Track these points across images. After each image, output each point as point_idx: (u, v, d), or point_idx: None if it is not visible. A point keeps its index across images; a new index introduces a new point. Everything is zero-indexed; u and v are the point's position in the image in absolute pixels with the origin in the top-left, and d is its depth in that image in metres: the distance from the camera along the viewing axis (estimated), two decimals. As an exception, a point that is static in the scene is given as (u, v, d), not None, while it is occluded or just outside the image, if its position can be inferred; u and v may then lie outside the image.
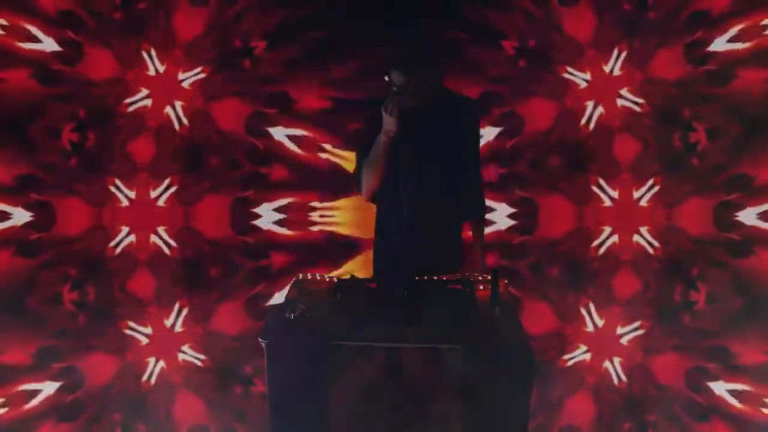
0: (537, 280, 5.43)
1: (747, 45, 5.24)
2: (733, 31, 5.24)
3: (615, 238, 5.42)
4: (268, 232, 5.45)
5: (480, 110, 4.34)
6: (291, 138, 5.43)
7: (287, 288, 4.07)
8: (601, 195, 5.42)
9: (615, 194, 5.41)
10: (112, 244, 5.41)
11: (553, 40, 5.37)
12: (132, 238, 5.43)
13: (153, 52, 5.38)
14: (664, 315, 5.38)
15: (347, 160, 5.38)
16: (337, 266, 5.40)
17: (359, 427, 3.69)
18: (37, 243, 5.32)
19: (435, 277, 3.98)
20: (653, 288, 5.39)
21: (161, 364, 5.45)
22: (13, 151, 5.29)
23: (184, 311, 5.46)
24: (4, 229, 5.29)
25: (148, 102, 5.40)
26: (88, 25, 5.32)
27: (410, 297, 3.79)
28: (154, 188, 5.43)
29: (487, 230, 5.41)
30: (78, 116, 5.35)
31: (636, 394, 5.40)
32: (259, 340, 3.74)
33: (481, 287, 3.90)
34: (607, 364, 5.44)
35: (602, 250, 5.43)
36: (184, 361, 5.45)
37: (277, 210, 5.46)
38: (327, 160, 5.42)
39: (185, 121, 5.42)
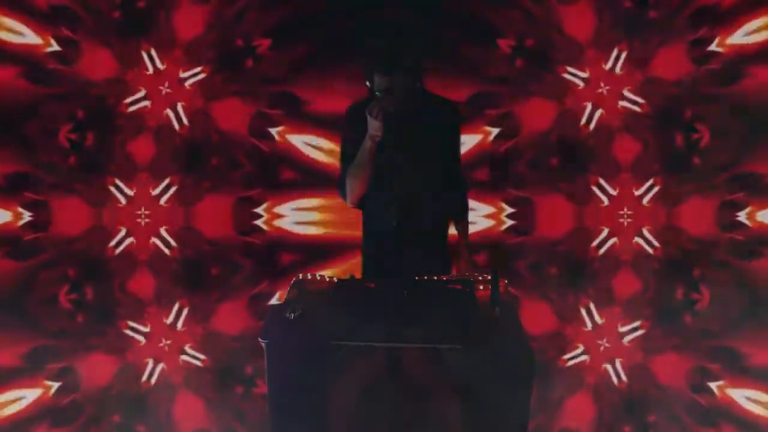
0: (537, 280, 5.43)
1: (752, 43, 5.24)
2: (738, 28, 5.24)
3: (615, 238, 5.41)
4: (269, 232, 5.45)
5: (460, 111, 4.31)
6: (295, 139, 5.43)
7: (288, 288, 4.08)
8: (601, 195, 5.42)
9: (615, 194, 5.41)
10: (112, 244, 5.41)
11: (552, 40, 5.37)
12: (132, 238, 5.42)
13: (153, 52, 5.38)
14: (665, 315, 5.38)
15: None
16: (337, 266, 5.40)
17: (359, 427, 3.68)
18: (35, 243, 5.31)
19: (435, 277, 3.98)
20: (653, 288, 5.39)
21: (161, 364, 5.45)
22: (11, 151, 5.28)
23: (184, 311, 5.46)
24: (2, 229, 5.29)
25: (148, 102, 5.40)
26: (87, 24, 5.31)
27: (410, 297, 3.78)
28: (154, 188, 5.43)
29: (487, 229, 5.43)
30: (77, 116, 5.35)
31: (636, 394, 5.40)
32: (259, 340, 3.73)
33: (481, 287, 3.89)
34: (607, 364, 5.43)
35: (602, 251, 5.43)
36: (184, 361, 5.45)
37: (279, 210, 5.46)
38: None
39: (185, 121, 5.42)
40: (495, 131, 5.40)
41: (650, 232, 5.40)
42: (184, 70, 5.40)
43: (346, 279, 4.02)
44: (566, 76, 5.39)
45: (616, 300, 5.42)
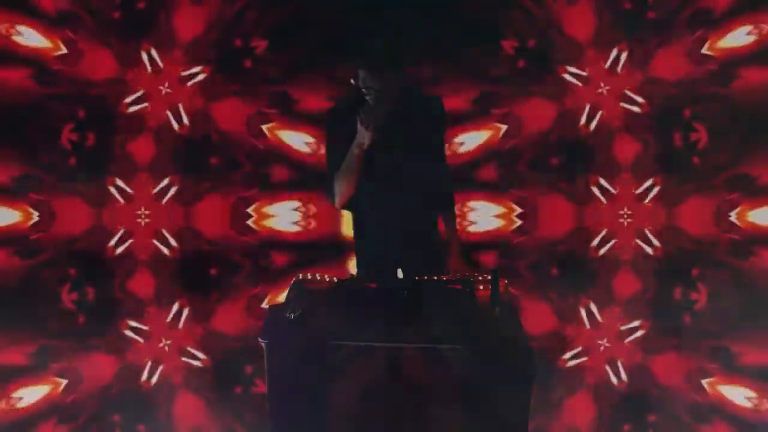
0: (537, 280, 5.43)
1: (750, 44, 5.24)
2: (736, 30, 5.24)
3: (615, 238, 5.41)
4: (269, 232, 5.45)
5: (444, 106, 4.29)
6: (292, 138, 5.43)
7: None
8: (601, 195, 5.42)
9: (615, 194, 5.41)
10: (112, 244, 5.41)
11: (553, 40, 5.37)
12: (132, 238, 5.42)
13: (153, 52, 5.38)
14: (665, 315, 5.38)
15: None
16: (337, 266, 5.40)
17: (359, 427, 3.68)
18: (36, 242, 5.31)
19: (435, 277, 3.98)
20: (653, 288, 5.39)
21: (161, 364, 5.45)
22: (12, 151, 5.29)
23: (184, 311, 5.46)
24: (4, 229, 5.29)
25: (148, 102, 5.40)
26: (88, 24, 5.31)
27: (410, 297, 3.78)
28: (154, 188, 5.43)
29: (485, 229, 5.43)
30: (77, 116, 5.35)
31: (636, 394, 5.40)
32: (259, 340, 3.73)
33: (481, 287, 3.89)
34: (607, 364, 5.43)
35: (602, 251, 5.43)
36: (184, 361, 5.45)
37: (279, 210, 5.46)
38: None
39: (185, 121, 5.42)
40: (503, 128, 5.40)
41: (650, 232, 5.40)
42: (184, 70, 5.40)
43: (346, 279, 4.02)
44: (566, 76, 5.39)
45: (616, 300, 5.42)
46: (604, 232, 5.43)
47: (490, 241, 5.42)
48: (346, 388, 3.67)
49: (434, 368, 3.63)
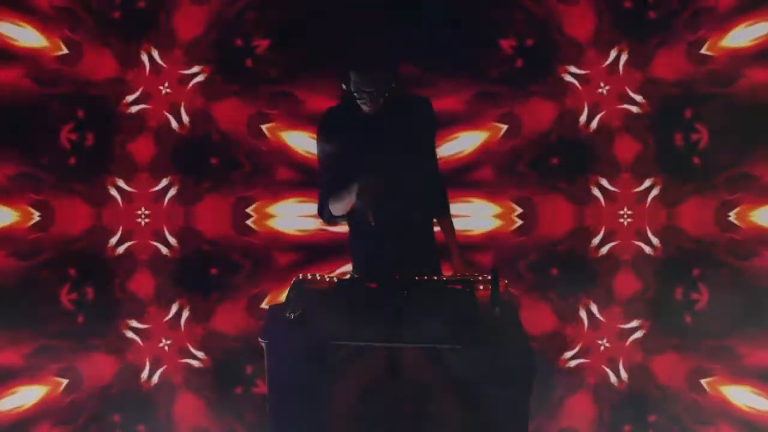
0: (537, 280, 5.43)
1: (751, 44, 5.24)
2: (737, 29, 5.24)
3: (615, 238, 5.41)
4: (269, 232, 5.45)
5: (433, 108, 4.28)
6: (293, 138, 5.44)
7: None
8: (601, 195, 5.42)
9: (615, 194, 5.41)
10: (112, 244, 5.41)
11: (553, 40, 5.37)
12: (132, 238, 5.42)
13: (153, 52, 5.38)
14: (665, 315, 5.38)
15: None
16: (338, 266, 5.40)
17: (359, 427, 3.68)
18: (36, 242, 5.31)
19: (435, 277, 3.98)
20: (653, 288, 5.39)
21: (161, 364, 5.44)
22: (12, 151, 5.29)
23: (184, 311, 5.46)
24: (3, 229, 5.29)
25: (148, 102, 5.40)
26: (88, 24, 5.31)
27: (410, 297, 3.78)
28: (154, 188, 5.43)
29: (486, 229, 5.43)
30: (77, 116, 5.35)
31: (636, 394, 5.40)
32: (259, 340, 3.73)
33: (481, 287, 3.90)
34: (607, 364, 5.43)
35: (603, 251, 5.43)
36: (184, 361, 5.45)
37: (279, 210, 5.46)
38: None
39: (185, 121, 5.42)
40: (502, 129, 5.40)
41: (650, 232, 5.40)
42: (184, 70, 5.40)
43: (346, 279, 4.02)
44: (566, 76, 5.39)
45: (616, 300, 5.42)
46: (603, 232, 5.43)
47: (489, 242, 5.42)
48: (346, 388, 3.67)
49: (434, 368, 3.63)
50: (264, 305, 5.42)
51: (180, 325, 5.46)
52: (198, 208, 5.45)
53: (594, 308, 5.44)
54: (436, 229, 4.36)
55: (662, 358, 5.39)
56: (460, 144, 5.40)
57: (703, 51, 5.29)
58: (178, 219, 5.45)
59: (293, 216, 5.46)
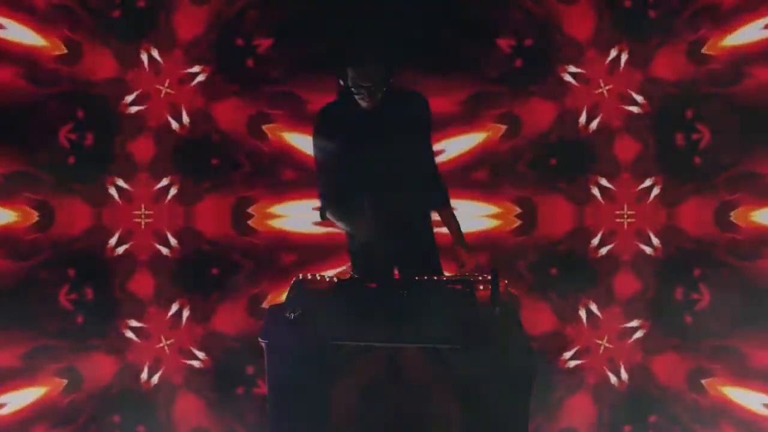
0: (537, 280, 5.43)
1: (751, 43, 5.24)
2: (737, 28, 5.24)
3: (615, 238, 5.41)
4: (269, 232, 5.45)
5: (428, 103, 4.27)
6: (295, 138, 5.44)
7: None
8: (601, 195, 5.42)
9: (615, 194, 5.41)
10: (112, 244, 5.41)
11: (553, 39, 5.37)
12: (132, 238, 5.42)
13: (153, 52, 5.38)
14: (665, 315, 5.38)
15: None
16: (337, 266, 5.40)
17: (359, 427, 3.68)
18: (35, 243, 5.31)
19: (435, 277, 3.98)
20: (653, 288, 5.39)
21: (161, 364, 5.44)
22: (11, 151, 5.29)
23: (184, 311, 5.46)
24: (2, 229, 5.29)
25: (148, 102, 5.40)
26: (87, 24, 5.31)
27: (410, 297, 3.78)
28: (154, 188, 5.43)
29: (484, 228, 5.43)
30: (76, 116, 5.35)
31: (636, 394, 5.40)
32: (259, 340, 3.73)
33: (481, 287, 3.89)
34: (607, 364, 5.43)
35: (603, 251, 5.42)
36: (184, 361, 5.45)
37: (279, 210, 5.46)
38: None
39: (185, 120, 5.42)
40: (502, 129, 5.40)
41: (650, 232, 5.40)
42: (184, 70, 5.40)
43: (346, 279, 4.02)
44: (566, 76, 5.39)
45: (616, 300, 5.42)
46: (603, 232, 5.43)
47: (489, 242, 5.42)
48: (346, 388, 3.67)
49: (434, 368, 3.63)
50: (264, 305, 5.42)
51: (180, 325, 5.46)
52: (198, 208, 5.45)
53: (594, 308, 5.44)
54: (436, 229, 4.35)
55: (662, 358, 5.39)
56: (459, 144, 5.40)
57: (703, 50, 5.29)
58: (178, 219, 5.45)
59: (293, 216, 5.46)
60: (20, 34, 5.26)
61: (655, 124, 5.37)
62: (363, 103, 4.02)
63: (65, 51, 5.31)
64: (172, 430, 5.40)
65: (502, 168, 5.42)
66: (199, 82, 5.41)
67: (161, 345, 5.45)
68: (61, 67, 5.30)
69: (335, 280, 3.92)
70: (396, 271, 4.24)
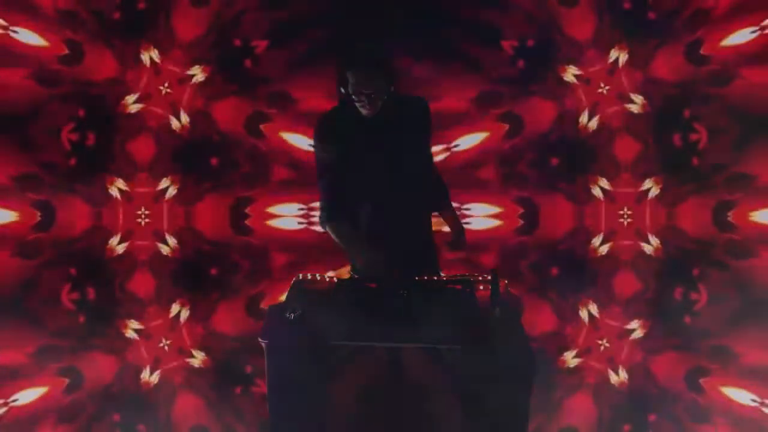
0: (537, 280, 5.43)
1: (749, 44, 5.24)
2: (735, 30, 5.24)
3: (615, 238, 5.42)
4: (269, 232, 5.45)
5: (429, 107, 4.27)
6: (291, 138, 5.44)
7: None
8: (601, 195, 5.42)
9: (615, 194, 5.41)
10: (112, 244, 5.41)
11: (553, 40, 5.37)
12: (132, 238, 5.42)
13: (153, 52, 5.38)
14: (665, 315, 5.38)
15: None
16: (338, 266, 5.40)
17: (359, 427, 3.69)
18: (36, 243, 5.32)
19: (435, 277, 3.98)
20: (653, 288, 5.39)
21: (161, 364, 5.45)
22: (13, 151, 5.29)
23: (184, 311, 5.46)
24: (4, 229, 5.29)
25: (148, 102, 5.40)
26: (88, 25, 5.32)
27: (410, 297, 3.79)
28: (154, 188, 5.43)
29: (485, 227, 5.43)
30: (78, 116, 5.35)
31: (636, 394, 5.40)
32: (259, 340, 3.74)
33: (481, 287, 3.90)
34: (607, 364, 5.43)
35: (603, 251, 5.43)
36: (184, 361, 5.45)
37: (278, 210, 5.46)
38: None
39: (185, 120, 5.42)
40: (505, 128, 5.41)
41: (650, 232, 5.40)
42: (184, 70, 5.41)
43: (346, 279, 4.02)
44: (566, 76, 5.39)
45: (616, 300, 5.43)
46: (603, 232, 5.43)
47: (490, 242, 5.43)
48: (346, 388, 3.67)
49: (434, 368, 3.64)
50: (264, 305, 5.42)
51: (180, 325, 5.46)
52: (198, 208, 5.45)
53: (594, 308, 5.44)
54: (436, 229, 4.36)
55: (662, 358, 5.39)
56: (460, 144, 5.41)
57: (702, 51, 5.29)
58: (178, 219, 5.45)
59: (293, 216, 5.46)
60: (24, 35, 5.27)
61: (654, 124, 5.37)
62: (363, 111, 4.01)
63: (67, 52, 5.31)
64: (172, 429, 5.40)
65: (504, 168, 5.42)
66: (199, 82, 5.41)
67: (161, 345, 5.45)
68: (63, 68, 5.31)
69: (335, 280, 3.92)
70: (396, 271, 4.24)
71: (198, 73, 5.41)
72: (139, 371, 5.43)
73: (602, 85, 5.39)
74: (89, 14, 5.31)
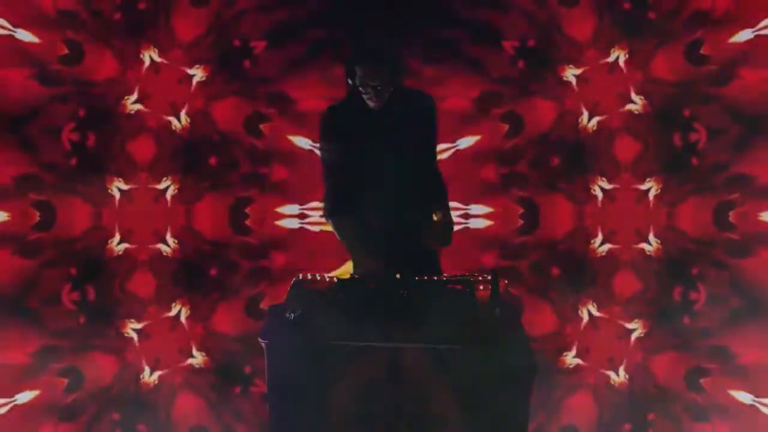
0: (537, 280, 5.43)
1: (747, 44, 5.25)
2: (735, 30, 5.24)
3: (615, 238, 5.42)
4: (268, 232, 5.46)
5: (435, 103, 4.27)
6: (291, 137, 5.44)
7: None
8: (601, 195, 5.42)
9: (615, 194, 5.41)
10: (112, 244, 5.41)
11: (553, 40, 5.37)
12: (132, 238, 5.43)
13: (153, 52, 5.38)
14: (665, 315, 5.38)
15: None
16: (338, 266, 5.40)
17: (359, 427, 3.69)
18: (37, 242, 5.32)
19: (435, 277, 3.98)
20: (653, 288, 5.39)
21: (161, 364, 5.45)
22: (13, 151, 5.29)
23: (184, 311, 5.46)
24: (4, 229, 5.30)
25: (148, 102, 5.40)
26: (88, 25, 5.32)
27: (410, 297, 3.79)
28: (154, 188, 5.43)
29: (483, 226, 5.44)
30: (78, 116, 5.35)
31: (636, 394, 5.40)
32: (259, 340, 3.74)
33: (481, 287, 3.90)
34: (606, 364, 5.44)
35: (602, 251, 5.43)
36: (184, 361, 5.45)
37: (277, 210, 5.46)
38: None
39: (185, 120, 5.42)
40: (505, 128, 5.41)
41: (650, 232, 5.40)
42: (184, 70, 5.41)
43: (346, 279, 4.02)
44: (566, 76, 5.39)
45: (616, 300, 5.43)
46: (603, 232, 5.43)
47: (490, 241, 5.43)
48: (346, 388, 3.67)
49: (434, 368, 3.64)
50: (264, 305, 5.42)
51: (180, 325, 5.46)
52: (198, 208, 5.45)
53: (594, 308, 5.44)
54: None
55: (662, 358, 5.40)
56: (461, 143, 5.41)
57: (702, 51, 5.29)
58: (178, 219, 5.45)
59: (292, 215, 5.46)
60: (26, 36, 5.27)
61: (654, 124, 5.37)
62: (371, 103, 4.03)
63: (67, 52, 5.31)
64: (172, 429, 5.40)
65: (504, 167, 5.42)
66: (199, 82, 5.41)
67: (161, 345, 5.45)
68: (63, 68, 5.31)
69: (335, 280, 3.92)
70: (396, 271, 4.24)
71: (198, 73, 5.41)
72: (139, 371, 5.43)
73: (602, 85, 5.39)
74: (89, 14, 5.32)
